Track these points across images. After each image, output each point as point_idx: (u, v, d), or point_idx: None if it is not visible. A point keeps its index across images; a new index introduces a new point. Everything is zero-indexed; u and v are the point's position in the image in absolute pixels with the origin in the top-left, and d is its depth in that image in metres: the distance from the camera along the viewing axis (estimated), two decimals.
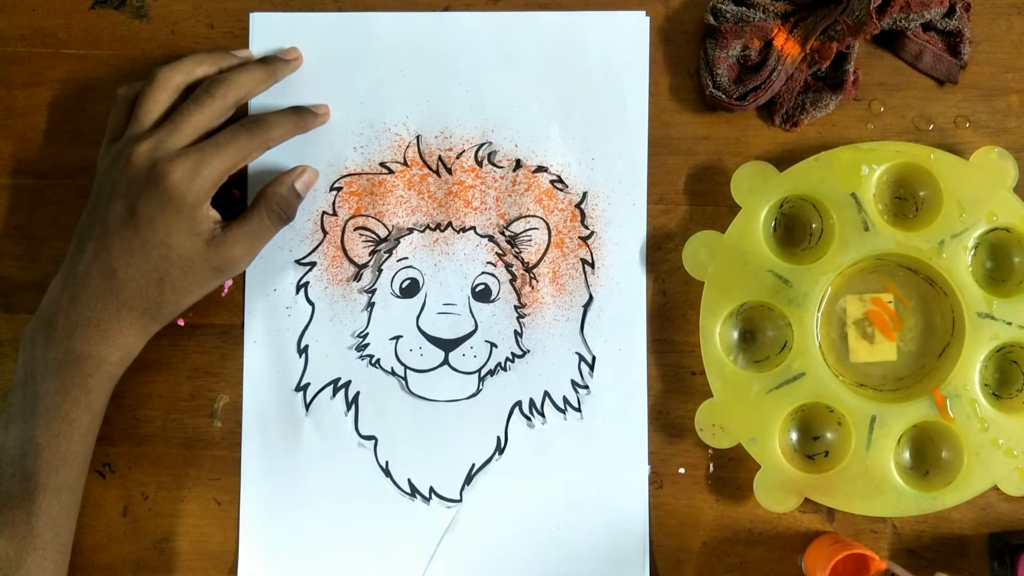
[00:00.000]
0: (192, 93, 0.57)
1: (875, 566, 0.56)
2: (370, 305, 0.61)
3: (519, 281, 0.61)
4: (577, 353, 0.61)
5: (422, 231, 0.61)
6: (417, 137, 0.62)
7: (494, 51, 0.62)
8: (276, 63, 0.60)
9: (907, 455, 0.60)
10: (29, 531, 0.53)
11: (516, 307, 0.61)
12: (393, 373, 0.61)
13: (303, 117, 0.60)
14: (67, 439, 0.54)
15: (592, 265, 0.61)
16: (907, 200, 0.61)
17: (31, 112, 0.63)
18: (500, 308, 0.61)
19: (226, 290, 0.62)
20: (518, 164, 0.62)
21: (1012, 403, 0.59)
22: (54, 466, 0.54)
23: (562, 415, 0.61)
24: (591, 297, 0.61)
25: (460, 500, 0.61)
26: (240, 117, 0.59)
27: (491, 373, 0.61)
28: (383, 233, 0.62)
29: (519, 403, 0.61)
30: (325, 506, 0.61)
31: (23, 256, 0.63)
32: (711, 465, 0.61)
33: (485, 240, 0.61)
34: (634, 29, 0.62)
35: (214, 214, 0.56)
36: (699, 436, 0.59)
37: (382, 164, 0.62)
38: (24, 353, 0.55)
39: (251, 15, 0.62)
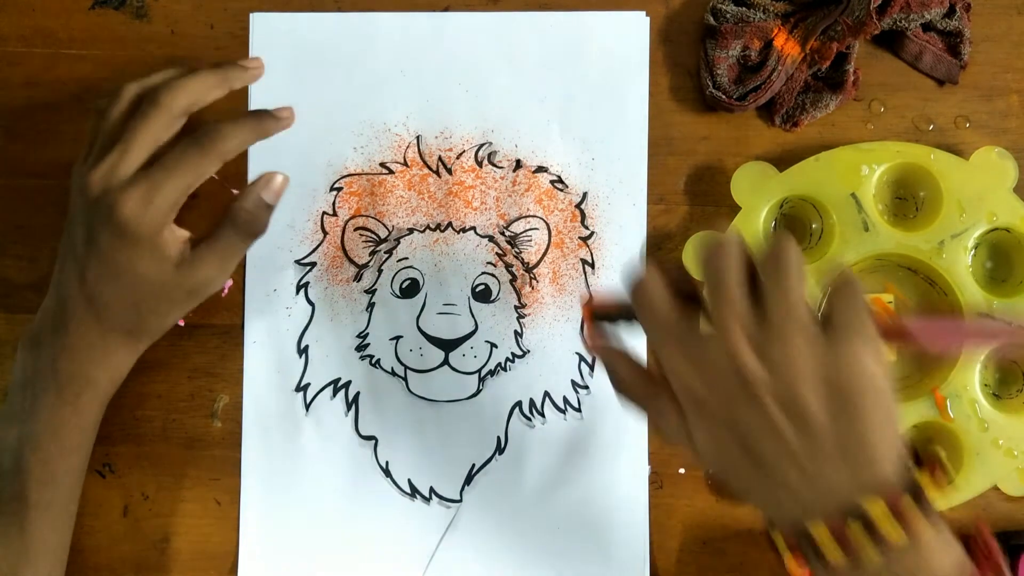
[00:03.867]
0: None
1: None
2: (370, 305, 0.61)
3: (519, 281, 0.61)
4: (577, 353, 0.61)
5: (422, 231, 0.61)
6: (417, 137, 0.62)
7: (494, 51, 0.62)
8: (229, 68, 0.55)
9: None
10: (21, 546, 0.53)
11: (516, 307, 0.61)
12: (393, 373, 0.61)
13: (262, 122, 0.55)
14: (56, 456, 0.54)
15: (592, 265, 0.61)
16: (907, 200, 0.61)
17: (31, 112, 0.63)
18: (500, 308, 0.61)
19: (226, 290, 0.62)
20: (518, 164, 0.62)
21: (1012, 403, 0.59)
22: (44, 483, 0.54)
23: (562, 415, 0.61)
24: (591, 297, 0.61)
25: (460, 500, 0.61)
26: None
27: (491, 373, 0.61)
28: (383, 233, 0.62)
29: (519, 403, 0.61)
30: (325, 506, 0.61)
31: (23, 256, 0.63)
32: None
33: (485, 240, 0.61)
34: (634, 29, 0.62)
35: (181, 234, 0.53)
36: None
37: (382, 164, 0.62)
38: (18, 363, 0.55)
39: (251, 15, 0.62)
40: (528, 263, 0.61)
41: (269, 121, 0.55)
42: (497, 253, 0.61)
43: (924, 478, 0.43)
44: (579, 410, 0.61)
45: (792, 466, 0.42)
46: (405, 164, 0.62)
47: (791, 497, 0.43)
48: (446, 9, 0.62)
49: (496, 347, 0.61)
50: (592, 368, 0.61)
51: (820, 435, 0.42)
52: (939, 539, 0.42)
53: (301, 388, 0.61)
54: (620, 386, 0.48)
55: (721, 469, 0.46)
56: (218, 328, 0.62)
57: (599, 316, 0.49)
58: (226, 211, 0.54)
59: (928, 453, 0.52)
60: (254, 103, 0.61)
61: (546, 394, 0.61)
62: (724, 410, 0.43)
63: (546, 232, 0.61)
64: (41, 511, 0.54)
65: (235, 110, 0.57)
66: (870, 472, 0.42)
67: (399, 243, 0.61)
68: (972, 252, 0.59)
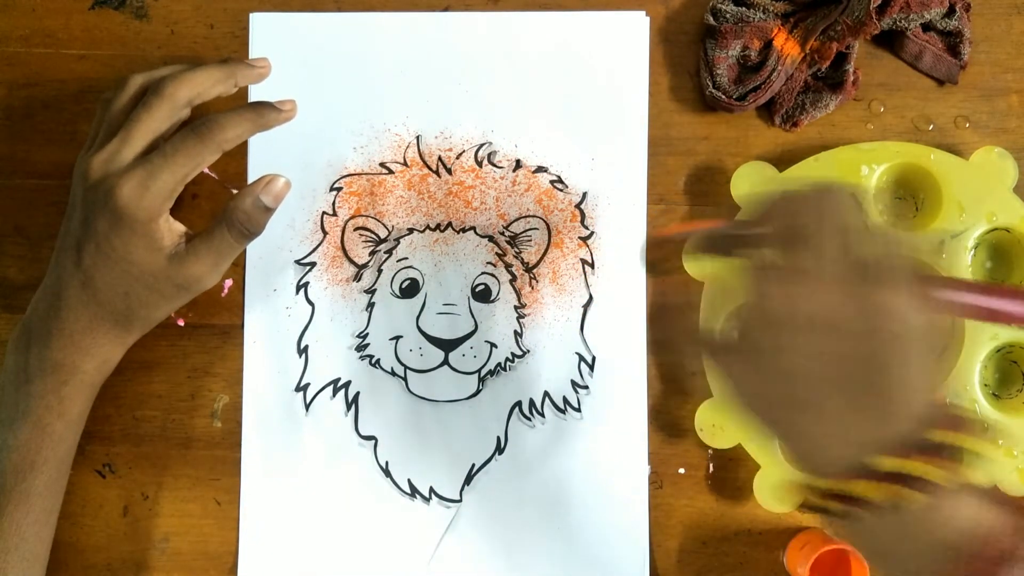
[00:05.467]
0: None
1: (856, 561, 0.56)
2: (370, 305, 0.61)
3: (519, 281, 0.61)
4: (577, 353, 0.61)
5: (422, 231, 0.61)
6: (417, 137, 0.62)
7: (494, 51, 0.62)
8: (237, 65, 0.56)
9: None
10: None
11: (516, 307, 0.61)
12: (393, 373, 0.61)
13: (262, 114, 0.55)
14: (38, 444, 0.54)
15: (592, 265, 0.61)
16: (907, 200, 0.61)
17: (31, 112, 0.63)
18: (500, 308, 0.61)
19: (226, 290, 0.62)
20: (518, 164, 0.62)
21: (1012, 403, 0.59)
22: (22, 470, 0.53)
23: (562, 415, 0.61)
24: (591, 297, 0.61)
25: (460, 500, 0.61)
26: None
27: (491, 373, 0.61)
28: (383, 233, 0.62)
29: (519, 403, 0.61)
30: (325, 506, 0.61)
31: (23, 256, 0.63)
32: (711, 465, 0.61)
33: (485, 240, 0.61)
34: (634, 29, 0.62)
35: (177, 227, 0.54)
36: (699, 436, 0.59)
37: (382, 164, 0.62)
38: (8, 358, 0.55)
39: (251, 15, 0.62)
40: (528, 263, 0.61)
41: (270, 113, 0.55)
42: (497, 253, 0.61)
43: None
44: (579, 410, 0.61)
45: (850, 406, 0.42)
46: (405, 164, 0.62)
47: (841, 437, 0.43)
48: (446, 9, 0.62)
49: (496, 347, 0.61)
50: (592, 368, 0.61)
51: (873, 377, 0.42)
52: (970, 488, 0.42)
53: (301, 388, 0.61)
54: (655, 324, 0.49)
55: (764, 415, 0.45)
56: (218, 328, 0.62)
57: (697, 243, 0.50)
58: (223, 209, 0.54)
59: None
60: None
61: (546, 394, 0.61)
62: (777, 352, 0.43)
63: (546, 232, 0.61)
64: (17, 500, 0.53)
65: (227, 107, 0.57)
66: (929, 407, 0.42)
67: (399, 243, 0.61)
68: (972, 252, 0.59)
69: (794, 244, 0.44)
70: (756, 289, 0.45)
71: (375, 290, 0.61)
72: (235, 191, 0.61)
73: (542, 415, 0.61)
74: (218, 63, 0.56)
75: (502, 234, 0.61)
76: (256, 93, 0.61)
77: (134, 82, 0.56)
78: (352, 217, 0.62)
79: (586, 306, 0.61)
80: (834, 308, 0.42)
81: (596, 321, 0.61)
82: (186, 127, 0.53)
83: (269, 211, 0.54)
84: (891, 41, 0.61)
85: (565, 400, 0.61)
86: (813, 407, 0.43)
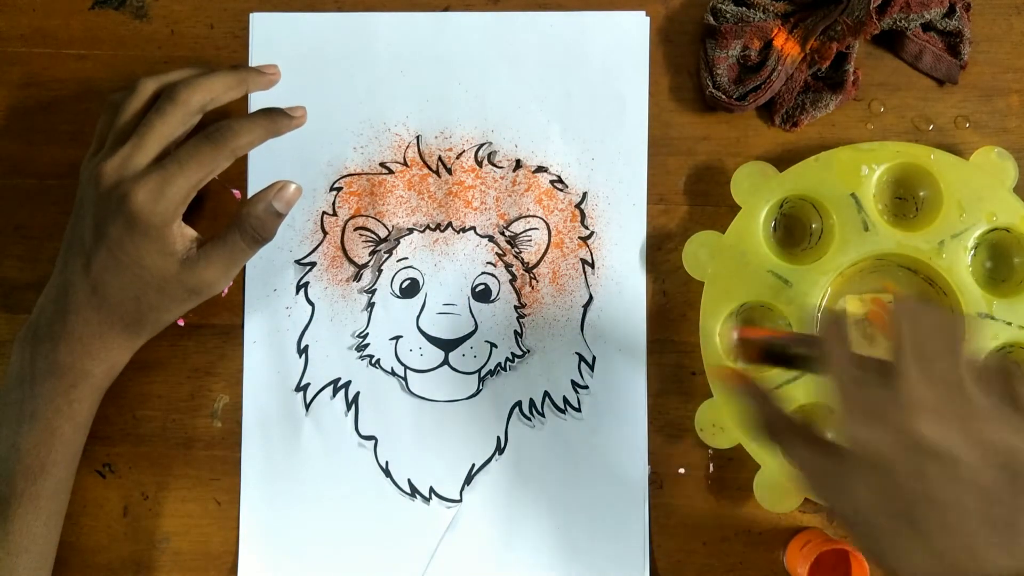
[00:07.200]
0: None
1: (856, 561, 0.56)
2: (370, 305, 0.61)
3: (519, 281, 0.61)
4: (577, 353, 0.61)
5: (422, 231, 0.61)
6: (417, 137, 0.62)
7: (494, 51, 0.62)
8: (248, 72, 0.57)
9: None
10: (3, 536, 0.53)
11: (516, 307, 0.61)
12: (393, 373, 0.61)
13: (274, 120, 0.55)
14: (47, 447, 0.54)
15: (592, 265, 0.61)
16: (907, 200, 0.61)
17: (31, 112, 0.63)
18: (500, 308, 0.61)
19: (226, 291, 0.62)
20: (518, 164, 0.62)
21: None
22: (32, 473, 0.53)
23: (562, 415, 0.61)
24: (591, 297, 0.61)
25: (460, 500, 0.61)
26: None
27: (491, 373, 0.61)
28: (383, 233, 0.62)
29: (519, 403, 0.61)
30: (325, 506, 0.61)
31: (23, 256, 0.63)
32: (711, 465, 0.61)
33: (485, 240, 0.61)
34: (634, 29, 0.62)
35: (189, 232, 0.54)
36: (699, 436, 0.59)
37: (382, 164, 0.62)
38: (14, 359, 0.55)
39: (251, 15, 0.62)
40: (528, 263, 0.61)
41: (282, 119, 0.56)
42: (497, 253, 0.61)
43: None
44: (579, 410, 0.61)
45: (976, 535, 0.42)
46: (405, 164, 0.62)
47: (954, 565, 0.42)
48: (446, 9, 0.62)
49: (496, 347, 0.61)
50: (592, 368, 0.61)
51: (1005, 510, 0.42)
52: None
53: (301, 388, 0.61)
54: (763, 428, 0.48)
55: (865, 527, 0.44)
56: (218, 328, 0.62)
57: (761, 352, 0.51)
58: (236, 215, 0.54)
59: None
60: (254, 103, 0.62)
61: (546, 394, 0.61)
62: (906, 478, 0.42)
63: (546, 232, 0.61)
64: (28, 502, 0.53)
65: (234, 111, 0.57)
66: None
67: (399, 243, 0.61)
68: (972, 252, 0.59)
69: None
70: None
71: (375, 290, 0.61)
72: (235, 192, 0.61)
73: (542, 415, 0.61)
74: (230, 69, 0.56)
75: (502, 234, 0.61)
76: (255, 92, 0.61)
77: (145, 86, 0.55)
78: (352, 217, 0.62)
79: (586, 306, 0.61)
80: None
81: (596, 321, 0.61)
82: (200, 133, 0.53)
83: (280, 217, 0.55)
84: (891, 41, 0.61)
85: (565, 400, 0.61)
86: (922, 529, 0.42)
